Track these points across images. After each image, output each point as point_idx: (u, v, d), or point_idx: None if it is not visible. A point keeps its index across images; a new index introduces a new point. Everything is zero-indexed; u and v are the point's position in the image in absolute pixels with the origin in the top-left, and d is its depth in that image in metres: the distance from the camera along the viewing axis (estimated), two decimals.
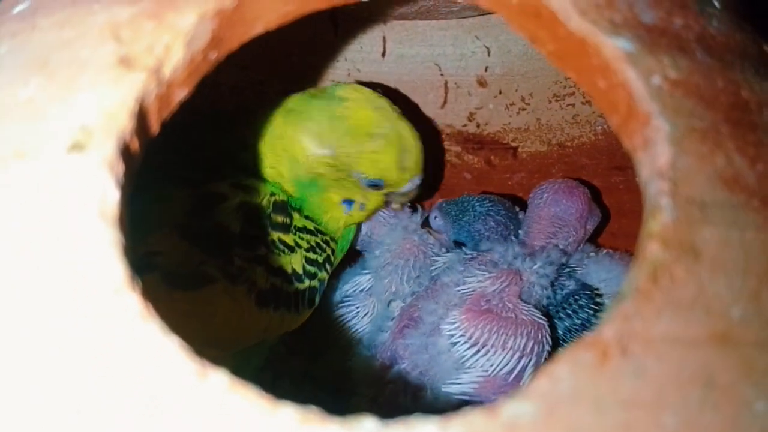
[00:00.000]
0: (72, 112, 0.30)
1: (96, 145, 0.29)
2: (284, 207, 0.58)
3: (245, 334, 0.54)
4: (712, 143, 0.30)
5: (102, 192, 0.28)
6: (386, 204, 0.66)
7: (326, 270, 0.61)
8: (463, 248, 0.66)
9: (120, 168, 0.29)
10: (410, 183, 0.61)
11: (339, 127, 0.57)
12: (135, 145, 0.30)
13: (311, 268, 0.59)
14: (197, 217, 0.54)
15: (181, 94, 0.33)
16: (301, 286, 0.58)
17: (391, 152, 0.58)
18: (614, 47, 0.31)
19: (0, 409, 0.26)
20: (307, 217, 0.60)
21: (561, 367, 0.26)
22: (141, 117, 0.31)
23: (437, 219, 0.67)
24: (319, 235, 0.60)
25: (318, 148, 0.57)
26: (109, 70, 0.31)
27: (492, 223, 0.65)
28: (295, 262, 0.57)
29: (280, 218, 0.58)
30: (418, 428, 0.25)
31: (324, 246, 0.60)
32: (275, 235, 0.57)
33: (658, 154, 0.30)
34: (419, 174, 0.61)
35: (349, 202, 0.62)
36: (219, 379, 0.25)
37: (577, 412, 0.25)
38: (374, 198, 0.62)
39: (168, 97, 0.32)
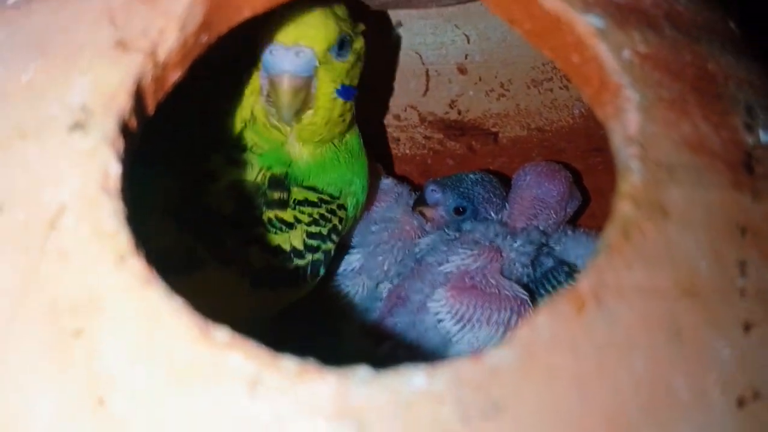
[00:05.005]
0: (72, 93, 0.32)
1: (97, 123, 0.31)
2: (281, 182, 0.56)
3: (240, 314, 0.53)
4: (679, 111, 0.32)
5: (104, 166, 0.30)
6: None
7: (332, 240, 0.58)
8: (448, 230, 0.66)
9: (120, 144, 0.30)
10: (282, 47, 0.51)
11: None
12: (133, 123, 0.32)
13: (313, 242, 0.57)
14: (187, 200, 0.53)
15: (175, 76, 0.34)
16: (302, 262, 0.56)
17: None
18: (586, 24, 0.33)
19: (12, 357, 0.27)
20: (308, 188, 0.58)
21: (541, 317, 0.28)
22: (138, 97, 0.32)
23: (434, 192, 0.66)
24: (323, 205, 0.58)
25: None
26: (106, 52, 0.33)
27: (489, 187, 0.66)
28: (294, 239, 0.56)
29: (276, 194, 0.56)
30: (408, 375, 0.27)
31: (329, 216, 0.58)
32: (271, 213, 0.55)
33: (628, 121, 0.31)
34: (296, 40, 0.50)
35: None
36: (221, 336, 0.27)
37: (555, 356, 0.27)
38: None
39: (163, 78, 0.33)
